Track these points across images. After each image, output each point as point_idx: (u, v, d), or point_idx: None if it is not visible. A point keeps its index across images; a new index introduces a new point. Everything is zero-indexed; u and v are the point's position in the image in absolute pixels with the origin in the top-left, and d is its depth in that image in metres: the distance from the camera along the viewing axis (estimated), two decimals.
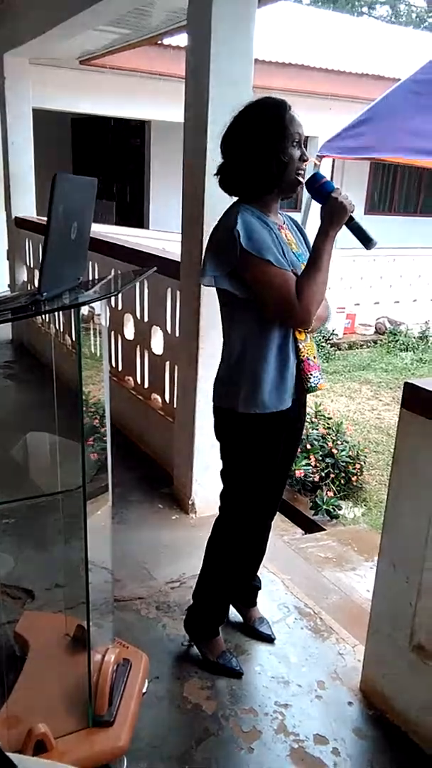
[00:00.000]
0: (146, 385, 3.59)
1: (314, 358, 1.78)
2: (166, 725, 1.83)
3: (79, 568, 1.56)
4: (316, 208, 1.78)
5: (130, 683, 1.72)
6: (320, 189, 1.66)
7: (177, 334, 3.04)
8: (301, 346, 1.74)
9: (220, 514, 1.97)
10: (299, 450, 3.99)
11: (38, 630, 1.94)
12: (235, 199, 1.76)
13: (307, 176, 1.70)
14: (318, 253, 1.65)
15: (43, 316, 4.78)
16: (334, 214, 1.64)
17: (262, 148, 1.63)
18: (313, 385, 1.76)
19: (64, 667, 1.78)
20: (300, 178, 1.68)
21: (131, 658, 1.80)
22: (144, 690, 1.79)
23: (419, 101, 4.44)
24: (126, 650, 1.82)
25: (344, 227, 1.67)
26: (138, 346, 3.64)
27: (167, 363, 3.30)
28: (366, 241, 1.68)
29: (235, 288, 1.67)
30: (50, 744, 1.50)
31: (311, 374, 1.76)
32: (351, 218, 1.66)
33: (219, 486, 1.96)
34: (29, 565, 2.54)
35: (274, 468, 1.87)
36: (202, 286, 2.57)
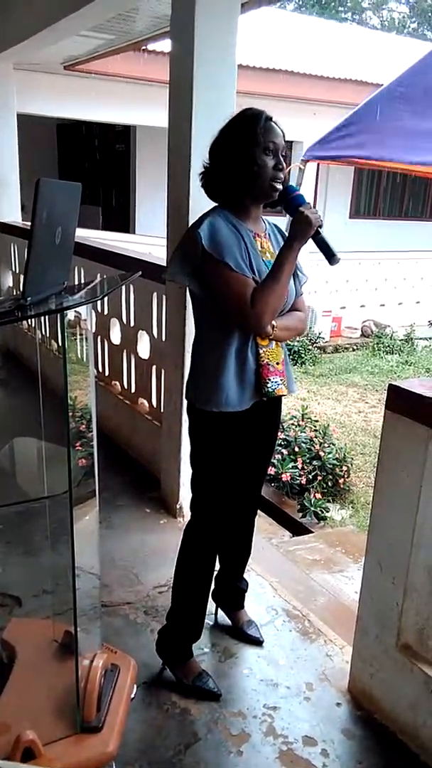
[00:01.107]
0: (133, 390, 3.59)
1: (277, 364, 1.79)
2: (154, 730, 1.83)
3: (67, 574, 1.56)
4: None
5: (118, 688, 1.71)
6: (291, 202, 1.71)
7: (163, 339, 3.04)
8: (261, 351, 1.76)
9: (189, 519, 1.96)
10: (287, 453, 4.02)
11: (26, 636, 1.93)
12: (212, 204, 1.80)
13: (293, 181, 1.73)
14: (279, 263, 1.69)
15: (29, 320, 4.76)
16: (300, 227, 1.68)
17: (234, 155, 1.68)
18: (269, 390, 1.77)
19: (52, 673, 1.77)
20: (276, 185, 1.71)
21: (119, 664, 1.79)
22: (132, 695, 1.78)
23: (401, 106, 4.49)
24: (114, 655, 1.82)
25: (311, 240, 1.71)
26: (124, 351, 3.63)
27: (154, 367, 3.30)
28: (329, 256, 1.72)
29: (197, 288, 1.72)
30: (38, 751, 1.49)
31: (269, 380, 1.77)
32: (317, 232, 1.70)
33: None
34: (16, 571, 2.52)
35: (235, 469, 1.87)
36: (188, 289, 2.59)
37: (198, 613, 1.99)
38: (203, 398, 1.76)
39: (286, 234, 1.90)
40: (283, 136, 1.71)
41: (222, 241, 1.66)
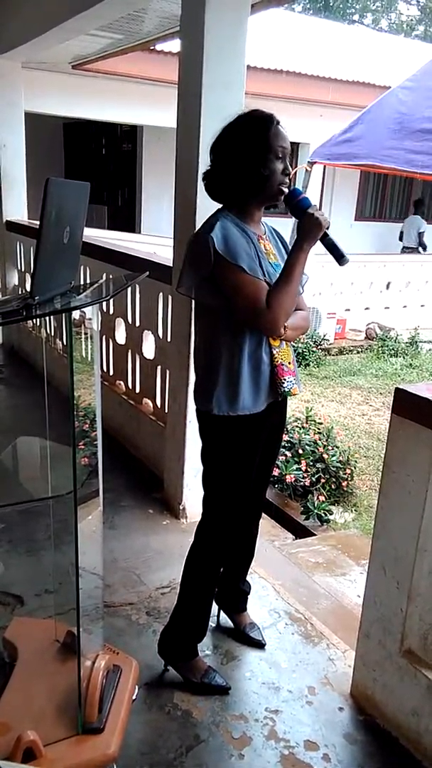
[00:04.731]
0: (137, 390, 3.59)
1: (289, 363, 1.80)
2: (156, 732, 1.82)
3: (69, 574, 1.55)
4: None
5: (120, 690, 1.71)
6: (297, 205, 1.71)
7: (168, 339, 3.04)
8: (274, 352, 1.77)
9: (201, 519, 1.96)
10: (290, 455, 4.01)
11: (27, 636, 1.92)
12: (219, 205, 1.79)
13: (299, 183, 1.73)
14: (290, 265, 1.69)
15: (35, 320, 4.76)
16: (309, 229, 1.68)
17: (244, 159, 1.68)
18: (286, 389, 1.79)
19: (54, 673, 1.77)
20: (283, 189, 1.71)
21: (121, 665, 1.79)
22: (134, 696, 1.78)
23: (407, 111, 4.49)
24: (116, 656, 1.81)
25: (319, 242, 1.71)
26: (129, 351, 3.63)
27: (159, 367, 3.29)
28: (339, 257, 1.72)
29: (209, 295, 1.71)
30: (39, 751, 1.48)
31: (284, 379, 1.78)
32: (326, 234, 1.70)
33: None
34: (19, 570, 2.52)
35: (250, 470, 1.87)
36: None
37: (205, 611, 2.00)
38: (220, 404, 1.74)
39: (283, 236, 1.91)
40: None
41: (233, 244, 1.66)
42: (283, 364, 1.78)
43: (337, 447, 4.25)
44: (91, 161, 11.84)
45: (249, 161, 1.67)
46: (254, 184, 1.69)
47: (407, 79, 4.87)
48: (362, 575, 2.18)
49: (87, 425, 1.81)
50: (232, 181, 1.71)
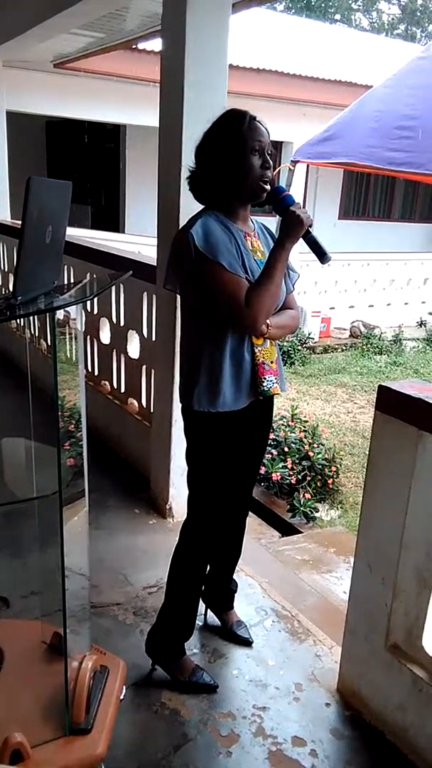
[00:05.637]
0: (123, 390, 3.58)
1: (272, 362, 1.80)
2: (144, 732, 1.82)
3: (56, 575, 1.54)
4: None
5: (107, 690, 1.71)
6: (280, 202, 1.72)
7: (153, 338, 3.03)
8: (257, 351, 1.77)
9: (186, 518, 1.96)
10: (276, 453, 4.02)
11: (14, 638, 1.91)
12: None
13: (283, 182, 1.74)
14: (271, 263, 1.69)
15: (18, 320, 4.72)
16: (291, 227, 1.68)
17: (221, 157, 1.68)
18: (266, 389, 1.78)
19: (41, 675, 1.76)
20: (264, 185, 1.71)
21: (108, 665, 1.78)
22: (121, 696, 1.78)
23: (387, 110, 4.51)
24: (103, 657, 1.81)
25: (302, 240, 1.71)
26: (114, 351, 3.62)
27: (144, 367, 3.29)
28: (321, 255, 1.73)
29: (192, 292, 1.72)
30: (26, 753, 1.48)
31: (264, 378, 1.78)
32: (308, 232, 1.70)
33: None
34: (5, 572, 2.51)
35: (233, 468, 1.87)
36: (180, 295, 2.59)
37: (192, 610, 2.00)
38: (201, 401, 1.75)
39: (275, 233, 1.90)
40: (269, 134, 1.71)
41: (215, 241, 1.65)
42: (264, 363, 1.78)
43: (323, 445, 4.27)
44: (74, 160, 11.78)
45: (225, 158, 1.67)
46: (233, 181, 1.69)
47: (388, 78, 4.89)
48: (348, 572, 2.20)
49: (72, 426, 1.80)
50: (212, 181, 1.71)
